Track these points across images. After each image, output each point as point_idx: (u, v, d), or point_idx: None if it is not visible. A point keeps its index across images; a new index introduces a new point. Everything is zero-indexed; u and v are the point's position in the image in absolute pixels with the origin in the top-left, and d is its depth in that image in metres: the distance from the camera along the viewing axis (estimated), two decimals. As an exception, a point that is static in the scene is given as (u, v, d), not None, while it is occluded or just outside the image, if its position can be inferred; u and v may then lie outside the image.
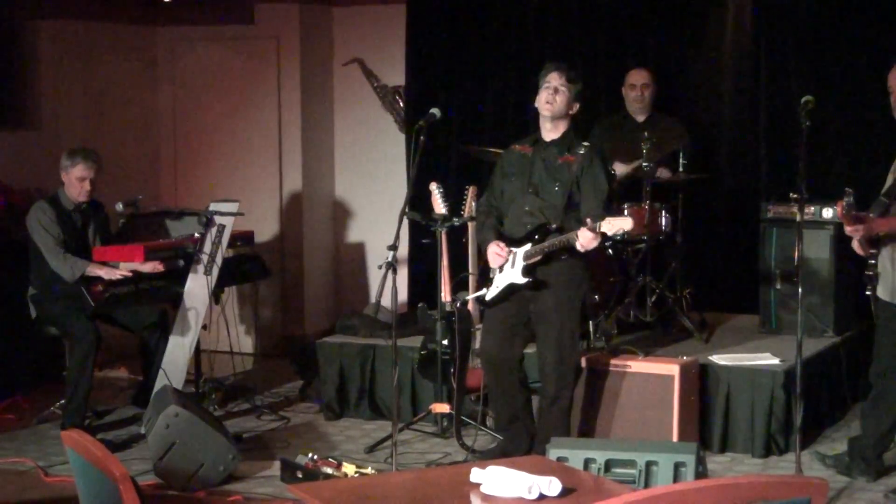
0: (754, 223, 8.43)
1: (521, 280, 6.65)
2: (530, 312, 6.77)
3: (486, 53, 9.81)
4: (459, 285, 7.55)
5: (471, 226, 7.53)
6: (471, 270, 7.59)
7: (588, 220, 6.36)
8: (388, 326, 7.56)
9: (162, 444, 6.73)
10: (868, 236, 6.36)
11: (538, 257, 6.61)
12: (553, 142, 6.78)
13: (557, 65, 6.81)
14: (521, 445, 6.91)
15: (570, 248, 6.49)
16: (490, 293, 6.80)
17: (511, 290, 6.72)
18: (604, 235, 6.37)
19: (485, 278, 6.89)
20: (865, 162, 8.54)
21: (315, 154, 10.53)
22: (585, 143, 6.78)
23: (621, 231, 6.36)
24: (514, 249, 6.69)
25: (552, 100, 6.68)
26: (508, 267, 6.70)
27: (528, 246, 6.65)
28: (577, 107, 6.77)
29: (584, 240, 6.36)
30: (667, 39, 9.41)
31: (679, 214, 8.41)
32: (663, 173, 8.53)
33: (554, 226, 6.65)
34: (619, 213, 7.78)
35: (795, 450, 6.46)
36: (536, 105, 6.76)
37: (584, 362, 7.22)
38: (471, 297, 7.18)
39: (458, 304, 7.41)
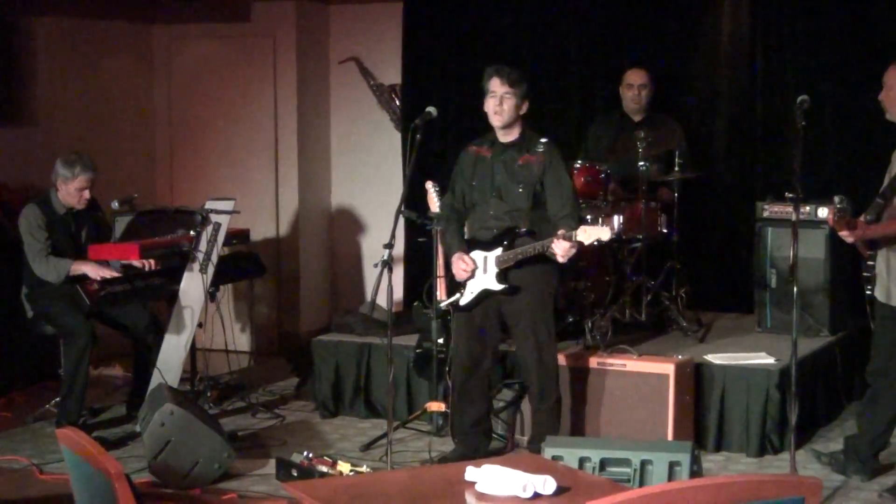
0: (750, 222, 8.43)
1: (498, 287, 6.69)
2: (503, 314, 6.81)
3: (482, 52, 9.78)
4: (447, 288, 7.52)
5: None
6: (440, 273, 7.58)
7: (563, 230, 6.38)
8: (383, 325, 7.55)
9: (157, 441, 6.72)
10: (863, 240, 6.38)
11: (511, 263, 6.63)
12: (511, 144, 6.79)
13: (498, 69, 6.76)
14: (480, 449, 6.97)
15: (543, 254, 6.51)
16: (465, 298, 6.82)
17: (485, 294, 6.74)
18: (581, 244, 6.38)
19: (456, 282, 6.89)
20: (861, 162, 8.54)
21: (311, 152, 10.52)
22: (542, 141, 6.78)
23: (597, 241, 6.35)
24: (484, 254, 6.71)
25: (499, 109, 6.68)
26: (480, 272, 6.73)
27: (499, 251, 6.67)
28: (526, 106, 6.76)
29: (561, 250, 6.41)
30: (663, 39, 9.42)
31: (675, 214, 8.41)
32: (667, 196, 8.53)
33: (523, 229, 6.67)
34: (599, 219, 7.80)
35: (790, 449, 6.46)
36: (486, 110, 6.74)
37: (573, 361, 7.24)
38: (445, 302, 7.18)
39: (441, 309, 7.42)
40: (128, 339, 8.23)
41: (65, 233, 7.86)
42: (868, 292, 6.56)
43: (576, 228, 6.43)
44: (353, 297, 10.43)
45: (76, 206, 7.83)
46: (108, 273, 7.71)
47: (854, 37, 8.75)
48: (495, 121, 6.73)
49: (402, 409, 7.92)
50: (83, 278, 7.69)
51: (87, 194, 7.81)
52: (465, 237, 6.91)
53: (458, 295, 6.86)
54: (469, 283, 6.78)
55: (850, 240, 6.40)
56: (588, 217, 8.26)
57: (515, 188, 6.71)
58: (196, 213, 8.09)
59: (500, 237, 6.70)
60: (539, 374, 6.80)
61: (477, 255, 6.74)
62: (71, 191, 7.77)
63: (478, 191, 6.82)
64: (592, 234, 6.30)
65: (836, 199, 6.24)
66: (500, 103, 6.67)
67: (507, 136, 6.79)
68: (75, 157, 7.83)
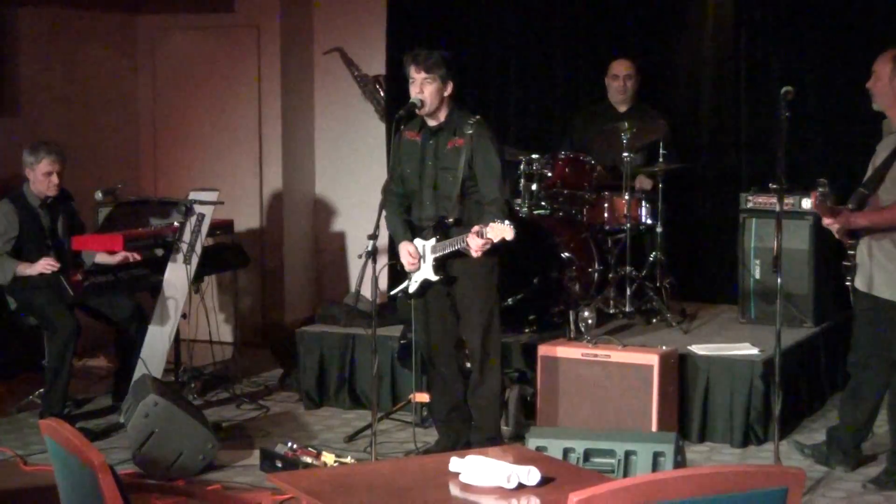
0: (734, 213, 8.45)
1: (434, 277, 6.71)
2: (451, 297, 6.83)
3: (466, 42, 9.79)
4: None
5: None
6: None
7: (477, 226, 6.38)
8: (367, 315, 7.55)
9: (141, 433, 6.72)
10: (846, 228, 6.39)
11: (440, 255, 6.65)
12: (439, 127, 6.74)
13: (414, 56, 6.66)
14: (460, 437, 6.96)
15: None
16: (412, 286, 6.83)
17: (428, 283, 6.77)
18: (492, 241, 6.37)
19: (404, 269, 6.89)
20: (845, 152, 8.57)
21: (295, 143, 10.51)
22: (471, 121, 6.69)
23: (502, 239, 6.33)
24: (423, 243, 6.73)
25: (422, 97, 6.60)
26: (422, 262, 6.74)
27: (433, 241, 6.68)
28: (450, 86, 6.67)
29: (476, 246, 6.41)
30: (648, 29, 9.43)
31: (659, 204, 8.42)
32: (644, 183, 8.56)
33: (450, 219, 6.66)
34: (584, 209, 7.76)
35: (774, 440, 6.47)
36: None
37: (557, 351, 7.25)
38: (394, 291, 7.17)
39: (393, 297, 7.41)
40: (111, 330, 8.22)
41: (37, 228, 7.84)
42: (848, 282, 6.57)
43: (498, 214, 6.45)
44: (338, 287, 10.42)
45: (46, 192, 7.82)
46: (49, 266, 7.63)
47: (838, 27, 8.77)
48: (421, 110, 6.67)
49: (387, 400, 7.93)
50: (64, 270, 7.67)
51: (55, 179, 7.81)
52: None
53: (406, 283, 6.87)
54: (414, 273, 6.80)
55: (831, 227, 6.40)
56: (573, 209, 8.33)
57: (447, 176, 6.67)
58: (180, 203, 8.08)
59: (434, 228, 6.71)
60: (481, 358, 6.79)
61: (418, 243, 6.75)
62: (38, 176, 7.78)
63: (412, 179, 6.79)
64: (498, 232, 6.30)
65: (820, 183, 6.23)
66: (420, 90, 6.61)
67: (433, 120, 6.73)
68: (39, 143, 7.90)
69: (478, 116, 6.77)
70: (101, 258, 8.01)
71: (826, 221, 6.37)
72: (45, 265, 7.66)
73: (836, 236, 6.52)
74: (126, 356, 8.09)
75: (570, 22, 9.63)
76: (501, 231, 6.29)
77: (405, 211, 6.85)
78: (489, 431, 6.85)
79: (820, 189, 6.18)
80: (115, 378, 8.28)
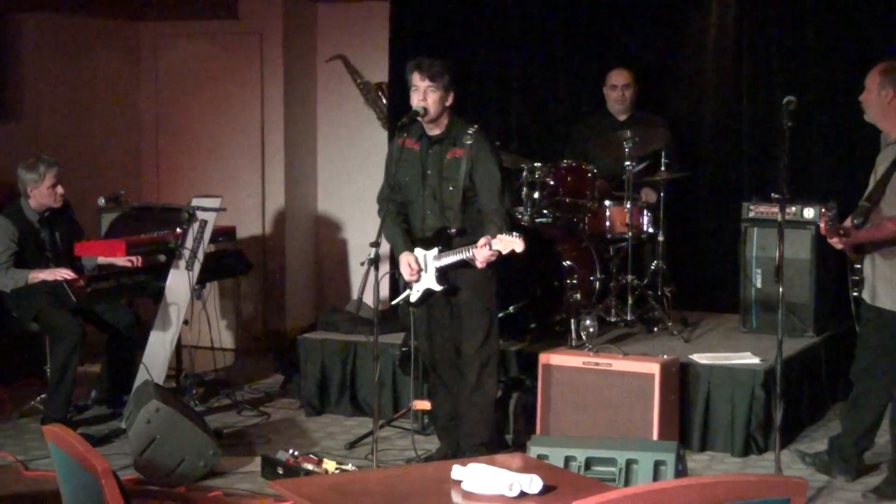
0: (736, 223, 8.45)
1: (438, 287, 6.70)
2: (451, 305, 6.83)
3: (469, 50, 9.80)
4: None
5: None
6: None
7: (484, 238, 6.39)
8: (369, 323, 7.55)
9: (143, 438, 6.72)
10: (852, 245, 6.41)
11: (444, 265, 6.65)
12: (438, 137, 6.72)
13: (418, 63, 6.65)
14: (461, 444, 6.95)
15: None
16: (413, 295, 6.83)
17: (430, 293, 6.77)
18: (500, 253, 6.38)
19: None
20: (847, 162, 8.57)
21: (298, 150, 10.52)
22: (470, 131, 6.68)
23: (511, 251, 6.34)
24: (424, 252, 6.72)
25: (425, 104, 6.60)
26: (423, 272, 6.74)
27: (435, 251, 6.68)
28: (451, 97, 6.67)
29: (482, 257, 6.42)
30: (649, 38, 9.43)
31: (661, 213, 8.42)
32: (650, 196, 8.55)
33: (453, 230, 6.66)
34: (585, 219, 7.76)
35: (775, 449, 6.48)
36: (412, 105, 6.66)
37: (559, 360, 7.26)
38: (396, 301, 7.17)
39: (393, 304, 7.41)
40: (103, 335, 8.20)
41: (37, 241, 7.85)
42: (855, 294, 6.58)
43: (500, 224, 6.47)
44: (339, 295, 10.43)
45: (53, 204, 7.83)
46: (67, 275, 7.66)
47: (840, 38, 8.77)
48: (423, 117, 6.67)
49: (388, 408, 7.93)
50: (75, 272, 7.70)
51: (60, 189, 7.83)
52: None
53: (407, 292, 6.86)
54: (415, 283, 6.80)
55: (839, 246, 6.42)
56: (574, 218, 8.33)
57: (447, 186, 6.66)
58: (182, 210, 8.09)
59: (435, 238, 6.70)
60: (479, 363, 6.77)
61: (418, 253, 6.74)
62: (44, 191, 7.77)
63: (410, 187, 6.79)
64: (507, 244, 6.31)
65: (828, 206, 6.25)
66: (423, 98, 6.61)
67: (434, 129, 6.72)
68: (34, 159, 7.85)
69: (476, 126, 6.77)
70: (105, 258, 8.03)
71: (832, 240, 6.38)
72: (65, 273, 7.66)
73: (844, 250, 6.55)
74: (117, 361, 8.10)
75: (572, 31, 9.63)
76: (511, 243, 6.30)
77: (403, 220, 6.86)
78: (481, 437, 6.83)
79: (829, 212, 6.20)
80: (106, 383, 8.24)
